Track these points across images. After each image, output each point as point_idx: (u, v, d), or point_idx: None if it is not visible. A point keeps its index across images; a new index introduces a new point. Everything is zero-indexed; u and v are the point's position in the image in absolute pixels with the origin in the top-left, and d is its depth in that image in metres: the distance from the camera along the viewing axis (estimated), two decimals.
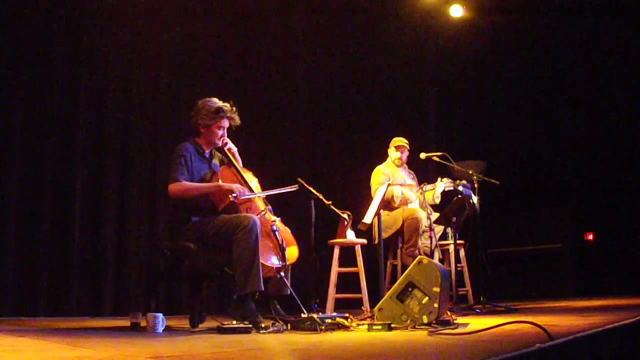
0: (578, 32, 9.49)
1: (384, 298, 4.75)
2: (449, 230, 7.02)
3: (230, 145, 5.39)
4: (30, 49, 6.40)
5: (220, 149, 5.38)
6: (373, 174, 7.23)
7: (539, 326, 3.43)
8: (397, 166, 7.37)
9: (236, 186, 5.05)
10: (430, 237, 6.54)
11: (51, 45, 6.56)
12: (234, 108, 5.27)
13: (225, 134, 5.30)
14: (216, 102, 5.23)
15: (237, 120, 5.30)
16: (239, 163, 5.40)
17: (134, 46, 7.21)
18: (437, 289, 4.54)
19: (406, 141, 7.43)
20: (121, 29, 7.08)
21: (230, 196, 4.97)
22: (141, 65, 7.27)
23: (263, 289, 4.72)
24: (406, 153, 7.42)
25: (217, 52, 7.96)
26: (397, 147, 7.36)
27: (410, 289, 4.61)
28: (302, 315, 4.61)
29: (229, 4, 7.90)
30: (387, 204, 6.88)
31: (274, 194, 5.39)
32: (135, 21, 7.18)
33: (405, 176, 7.33)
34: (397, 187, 6.98)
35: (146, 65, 7.32)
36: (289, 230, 5.35)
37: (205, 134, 5.24)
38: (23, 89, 6.33)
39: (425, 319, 4.49)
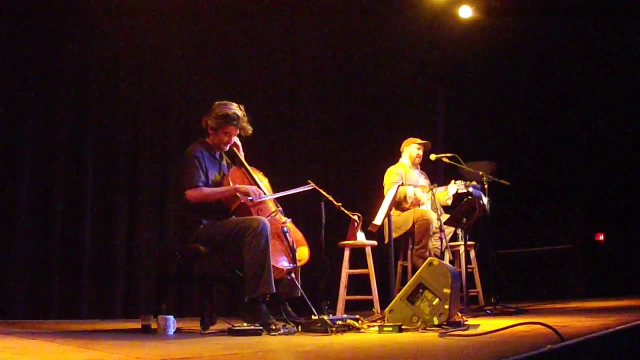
0: (588, 31, 9.47)
1: (394, 300, 4.75)
2: (459, 231, 6.99)
3: (236, 140, 5.38)
4: (40, 51, 6.44)
5: (228, 151, 5.38)
6: (386, 174, 7.20)
7: (550, 327, 3.42)
8: (415, 165, 7.33)
9: (252, 189, 5.06)
10: (441, 239, 6.53)
11: (61, 47, 6.59)
12: (246, 117, 5.24)
13: (232, 140, 5.29)
14: (230, 107, 5.21)
15: (248, 130, 5.27)
16: (241, 156, 5.39)
17: (144, 50, 7.25)
18: (447, 290, 4.54)
19: None
20: (131, 31, 7.11)
21: (247, 200, 4.99)
22: (151, 70, 7.30)
23: (274, 290, 4.72)
24: (422, 152, 7.40)
25: (227, 53, 7.99)
26: (420, 146, 7.32)
27: (420, 291, 4.60)
28: (313, 317, 4.61)
29: (239, 7, 7.92)
30: (399, 204, 6.88)
31: (289, 195, 5.39)
32: (146, 23, 7.21)
33: (417, 176, 7.31)
34: (409, 187, 6.96)
35: (156, 70, 7.34)
36: (300, 232, 5.35)
37: (212, 136, 5.25)
38: (33, 91, 6.37)
39: (435, 321, 4.49)
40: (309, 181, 5.61)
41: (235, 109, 5.22)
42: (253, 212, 5.07)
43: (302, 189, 5.36)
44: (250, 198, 4.99)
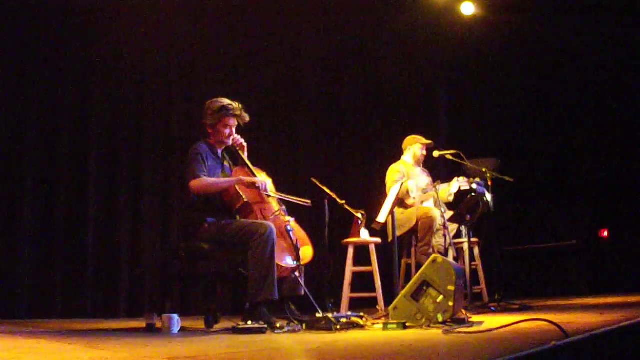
0: (591, 28, 9.44)
1: (398, 297, 4.74)
2: (463, 228, 6.99)
3: (241, 140, 5.37)
4: (42, 52, 6.46)
5: (231, 149, 5.37)
6: (388, 172, 7.18)
7: (555, 324, 3.41)
8: (418, 163, 7.32)
9: (258, 179, 5.07)
10: (445, 236, 6.52)
11: (63, 47, 6.61)
12: (241, 106, 5.22)
13: (234, 133, 5.28)
14: (222, 101, 5.19)
15: (246, 118, 5.24)
16: (245, 156, 5.38)
17: (146, 50, 7.25)
18: (451, 288, 4.53)
19: None
20: (132, 31, 7.10)
21: (254, 187, 5.02)
22: (153, 69, 7.31)
23: (277, 297, 4.72)
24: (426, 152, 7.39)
25: (229, 52, 7.99)
26: (423, 146, 7.30)
27: (424, 288, 4.60)
28: (317, 315, 4.61)
29: (240, 6, 7.92)
30: (402, 201, 6.87)
31: (287, 200, 5.36)
32: (147, 23, 7.20)
33: (420, 174, 7.30)
34: (411, 181, 6.93)
35: (158, 68, 7.35)
36: (302, 230, 5.34)
37: (213, 134, 5.23)
38: (35, 91, 6.39)
39: (440, 318, 4.48)
40: (312, 179, 5.61)
41: (228, 100, 5.21)
42: (256, 210, 5.06)
43: (301, 201, 5.31)
44: (257, 185, 5.01)
